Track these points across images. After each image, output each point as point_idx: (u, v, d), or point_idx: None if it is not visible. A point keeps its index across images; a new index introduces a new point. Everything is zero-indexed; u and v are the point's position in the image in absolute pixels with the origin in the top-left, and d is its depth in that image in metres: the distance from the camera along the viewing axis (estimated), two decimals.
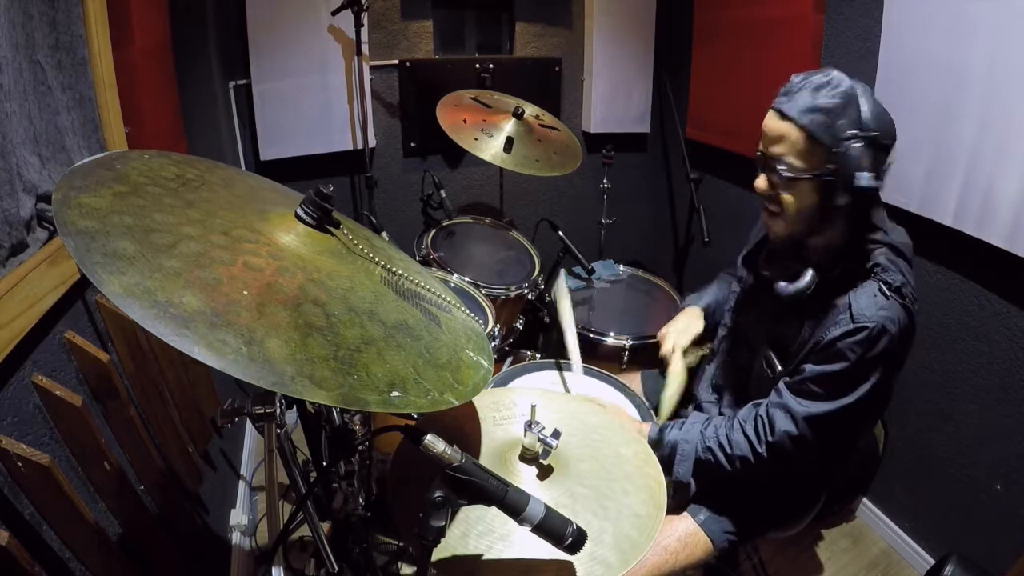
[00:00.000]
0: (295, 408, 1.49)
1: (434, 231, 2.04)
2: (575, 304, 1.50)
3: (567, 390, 1.44)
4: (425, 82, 2.38)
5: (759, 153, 1.06)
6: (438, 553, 0.73)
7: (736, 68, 2.23)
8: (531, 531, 0.67)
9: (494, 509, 0.67)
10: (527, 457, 0.87)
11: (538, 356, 1.82)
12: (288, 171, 2.21)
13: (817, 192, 1.00)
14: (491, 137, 1.88)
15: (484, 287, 1.78)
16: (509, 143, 1.86)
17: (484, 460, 0.89)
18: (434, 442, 0.65)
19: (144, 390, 1.11)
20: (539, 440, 0.85)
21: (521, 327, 1.96)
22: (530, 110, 2.01)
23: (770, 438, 1.07)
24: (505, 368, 1.60)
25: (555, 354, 1.59)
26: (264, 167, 2.22)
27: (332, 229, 0.72)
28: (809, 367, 1.04)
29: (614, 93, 2.64)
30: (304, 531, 1.63)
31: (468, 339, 0.77)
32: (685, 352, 1.38)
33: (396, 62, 2.35)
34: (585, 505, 0.82)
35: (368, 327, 0.63)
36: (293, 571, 1.50)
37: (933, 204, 1.55)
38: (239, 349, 0.51)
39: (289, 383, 0.52)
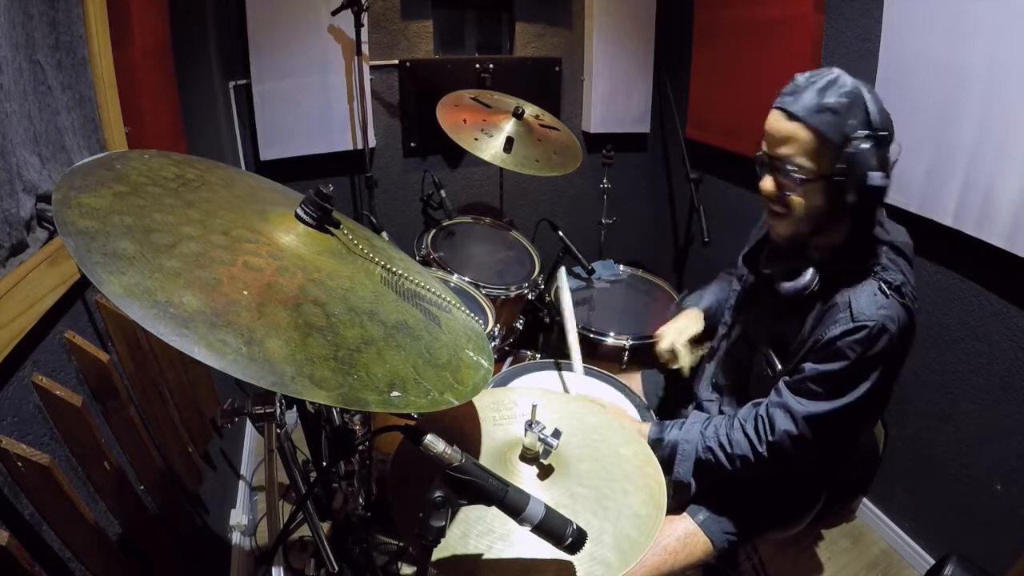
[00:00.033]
0: (295, 408, 1.48)
1: (434, 231, 2.04)
2: (575, 304, 1.50)
3: (566, 390, 1.44)
4: (425, 82, 2.38)
5: (762, 154, 1.05)
6: (438, 553, 0.73)
7: (736, 68, 2.23)
8: (531, 531, 0.67)
9: (494, 509, 0.67)
10: (527, 457, 0.87)
11: (538, 356, 1.82)
12: (288, 171, 2.21)
13: (826, 193, 0.99)
14: (491, 137, 1.88)
15: (484, 287, 1.78)
16: (509, 143, 1.85)
17: (484, 460, 0.89)
18: (434, 442, 0.65)
19: (144, 390, 1.11)
20: (539, 440, 0.85)
21: (521, 327, 1.96)
22: (530, 110, 2.01)
23: (770, 437, 1.07)
24: (505, 368, 1.60)
25: (555, 354, 1.60)
26: (264, 167, 2.22)
27: (332, 229, 0.72)
28: (809, 366, 1.04)
29: (614, 93, 2.64)
30: (304, 531, 1.63)
31: (468, 339, 0.77)
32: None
33: (396, 62, 2.35)
34: (585, 505, 0.82)
35: (368, 327, 0.63)
36: (293, 571, 1.50)
37: (933, 204, 1.55)
38: (239, 349, 0.51)
39: (289, 383, 0.52)
